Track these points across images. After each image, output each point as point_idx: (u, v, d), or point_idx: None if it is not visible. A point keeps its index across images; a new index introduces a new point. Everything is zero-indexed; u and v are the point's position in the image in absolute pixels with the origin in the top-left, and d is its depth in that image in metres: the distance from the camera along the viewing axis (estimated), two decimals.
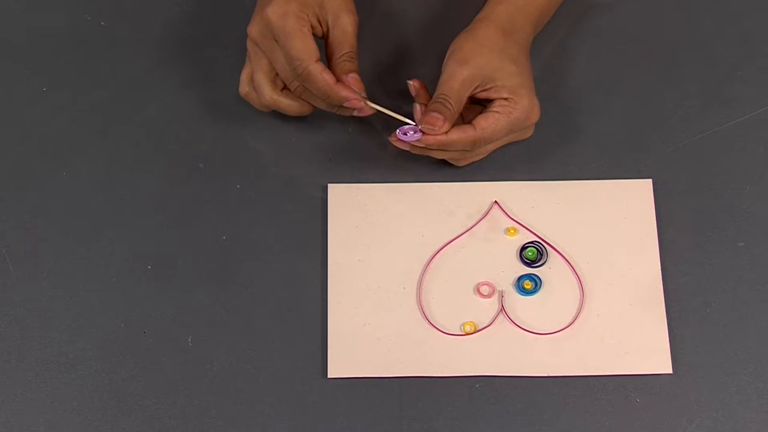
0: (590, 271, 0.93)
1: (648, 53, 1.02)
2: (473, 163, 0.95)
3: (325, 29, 0.92)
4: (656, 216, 0.95)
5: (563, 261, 0.93)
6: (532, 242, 0.94)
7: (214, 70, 1.00)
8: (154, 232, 0.95)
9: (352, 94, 0.91)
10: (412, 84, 0.93)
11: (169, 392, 0.89)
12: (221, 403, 0.89)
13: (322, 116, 0.98)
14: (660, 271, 0.93)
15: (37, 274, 0.93)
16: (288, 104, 0.93)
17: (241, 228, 0.95)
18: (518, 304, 0.92)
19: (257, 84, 0.93)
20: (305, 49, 0.89)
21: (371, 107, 0.92)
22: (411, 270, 0.93)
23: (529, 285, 0.92)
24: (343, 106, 0.92)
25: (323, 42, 0.93)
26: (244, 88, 0.94)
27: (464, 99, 0.91)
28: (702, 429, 0.88)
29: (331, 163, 0.97)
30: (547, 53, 1.01)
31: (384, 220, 0.95)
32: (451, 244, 0.94)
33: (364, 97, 0.91)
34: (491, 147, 0.94)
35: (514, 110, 0.91)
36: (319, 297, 0.92)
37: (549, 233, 0.94)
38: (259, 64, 0.92)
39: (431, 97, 0.91)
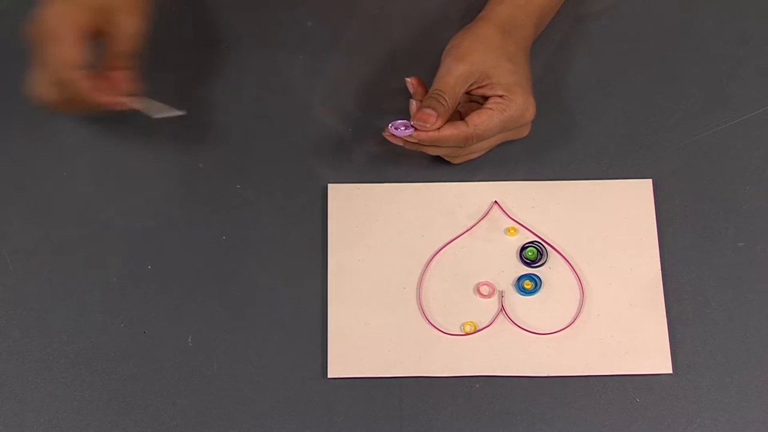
0: (590, 271, 0.93)
1: (648, 53, 1.02)
2: (470, 161, 0.95)
3: (107, 30, 0.90)
4: (656, 216, 0.95)
5: (563, 261, 0.93)
6: (532, 242, 0.94)
7: (213, 70, 1.00)
8: (154, 232, 0.95)
9: (112, 100, 0.89)
10: (410, 81, 0.94)
11: (169, 392, 0.89)
12: (221, 403, 0.89)
13: (321, 116, 0.98)
14: (660, 271, 0.93)
15: (37, 274, 0.93)
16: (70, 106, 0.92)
17: (241, 228, 0.95)
18: (518, 304, 0.92)
19: (37, 85, 0.90)
20: (68, 56, 0.87)
21: (139, 109, 0.91)
22: (411, 270, 0.93)
23: (529, 285, 0.92)
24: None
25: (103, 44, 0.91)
26: (33, 89, 0.92)
27: (459, 95, 0.91)
28: (702, 429, 0.88)
29: (331, 163, 0.97)
30: (547, 53, 1.01)
31: (384, 220, 0.95)
32: (451, 244, 0.94)
33: (131, 95, 0.90)
34: (486, 145, 0.94)
35: (508, 108, 0.91)
36: (319, 297, 0.92)
37: (549, 233, 0.94)
38: (38, 64, 0.90)
39: None
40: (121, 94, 0.90)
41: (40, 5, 0.90)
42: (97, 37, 0.90)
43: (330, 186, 0.96)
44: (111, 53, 0.91)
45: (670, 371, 0.90)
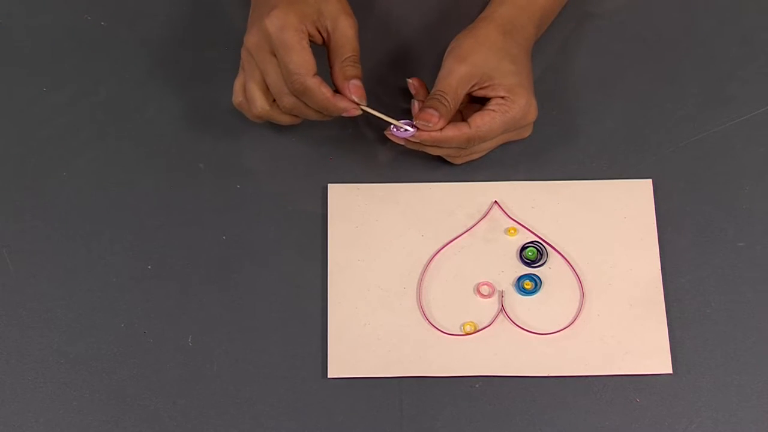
0: (590, 271, 0.93)
1: (648, 53, 1.02)
2: (470, 161, 0.95)
3: (325, 36, 0.91)
4: (656, 216, 0.95)
5: (563, 261, 0.93)
6: (532, 242, 0.94)
7: (214, 70, 1.00)
8: (154, 232, 0.95)
9: (350, 105, 0.90)
10: (412, 82, 0.94)
11: (169, 392, 0.89)
12: (221, 403, 0.89)
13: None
14: (660, 271, 0.93)
15: (37, 274, 0.93)
16: (280, 115, 0.92)
17: (241, 228, 0.95)
18: (518, 304, 0.92)
19: (250, 95, 0.91)
20: (303, 64, 0.87)
21: (371, 113, 0.91)
22: (411, 270, 0.93)
23: (529, 285, 0.92)
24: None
25: (323, 49, 0.92)
26: (237, 97, 0.93)
27: (461, 96, 0.91)
28: (702, 429, 0.88)
29: (331, 163, 0.97)
30: (548, 53, 1.01)
31: (384, 219, 0.95)
32: (451, 244, 0.94)
33: (364, 105, 0.90)
34: (487, 145, 0.94)
35: (511, 109, 0.91)
36: (319, 297, 0.92)
37: (549, 233, 0.94)
38: (252, 74, 0.91)
39: None
40: (353, 99, 0.90)
41: (254, 21, 0.89)
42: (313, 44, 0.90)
43: (330, 186, 0.96)
44: (340, 61, 0.90)
45: (670, 371, 0.90)
